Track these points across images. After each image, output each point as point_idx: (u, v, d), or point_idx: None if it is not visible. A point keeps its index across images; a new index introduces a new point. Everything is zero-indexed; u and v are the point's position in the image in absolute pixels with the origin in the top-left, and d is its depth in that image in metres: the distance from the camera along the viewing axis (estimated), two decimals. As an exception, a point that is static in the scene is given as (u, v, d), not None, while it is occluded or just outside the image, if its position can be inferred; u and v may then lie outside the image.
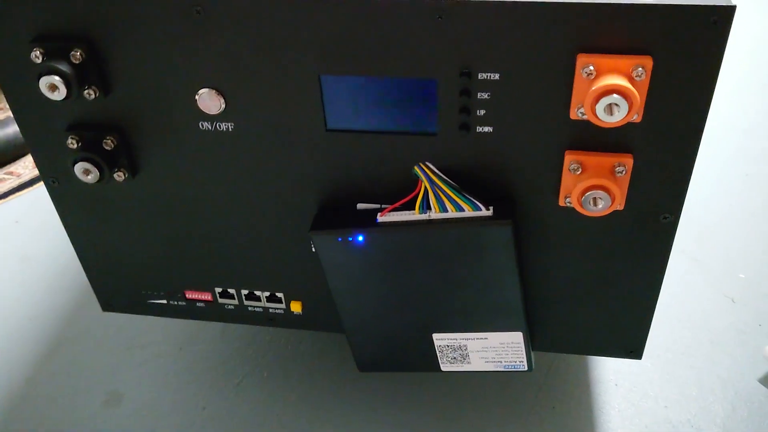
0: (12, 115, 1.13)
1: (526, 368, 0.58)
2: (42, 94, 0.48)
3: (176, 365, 0.78)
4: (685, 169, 0.47)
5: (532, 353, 0.58)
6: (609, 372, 0.74)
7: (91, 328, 0.83)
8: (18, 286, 0.90)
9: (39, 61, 0.48)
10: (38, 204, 1.05)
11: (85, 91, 0.49)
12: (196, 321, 0.81)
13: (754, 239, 0.91)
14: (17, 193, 1.07)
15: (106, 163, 0.53)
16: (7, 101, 0.53)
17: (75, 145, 0.52)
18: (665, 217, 0.50)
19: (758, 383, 0.73)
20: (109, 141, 0.52)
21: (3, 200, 1.05)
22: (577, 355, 0.76)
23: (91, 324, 0.83)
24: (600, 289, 0.55)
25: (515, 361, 0.58)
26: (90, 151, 0.52)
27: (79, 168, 0.52)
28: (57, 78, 0.47)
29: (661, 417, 0.70)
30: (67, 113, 0.52)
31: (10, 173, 1.11)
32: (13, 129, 1.12)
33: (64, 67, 0.47)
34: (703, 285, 0.85)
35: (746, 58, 1.20)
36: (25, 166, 1.12)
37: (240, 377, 0.76)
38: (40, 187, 1.08)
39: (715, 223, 0.94)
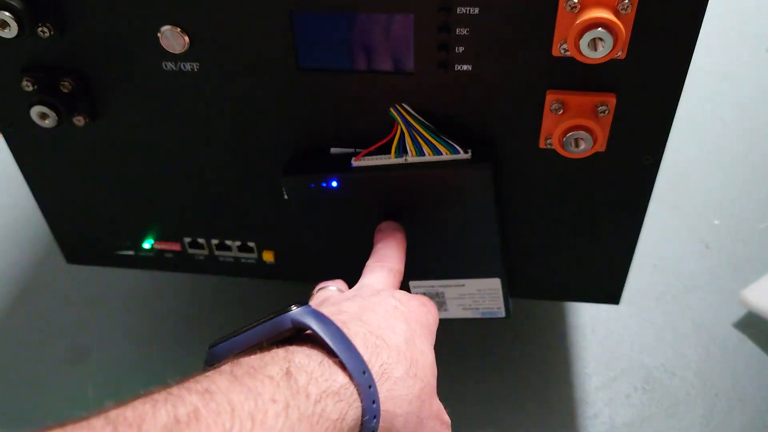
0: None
1: (503, 315, 0.58)
2: (-8, 32, 0.45)
3: (144, 319, 0.76)
4: (668, 109, 0.46)
5: (510, 300, 0.57)
6: (585, 318, 0.74)
7: (54, 282, 0.80)
8: (-22, 240, 0.87)
9: (-14, -5, 0.45)
10: (-3, 155, 1.01)
11: (39, 29, 0.46)
12: (164, 274, 0.79)
13: (728, 185, 0.91)
14: (-26, 145, 1.02)
15: (64, 106, 0.50)
16: (-45, 40, 0.49)
17: (30, 88, 0.49)
18: (647, 159, 0.48)
19: (732, 327, 0.73)
20: (67, 83, 0.49)
21: (-41, 152, 1.01)
22: (553, 302, 0.76)
23: (55, 277, 0.81)
24: (579, 233, 0.54)
25: (493, 308, 0.57)
26: (46, 94, 0.49)
27: (35, 112, 0.49)
28: (6, 13, 0.44)
29: (637, 362, 0.70)
30: (21, 53, 0.49)
31: (-34, 124, 1.06)
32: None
33: (13, 1, 0.44)
34: (678, 231, 0.84)
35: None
36: (-18, 117, 1.07)
37: (209, 332, 0.74)
38: (-1, 139, 1.04)
39: (690, 169, 0.93)
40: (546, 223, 0.53)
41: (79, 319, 0.76)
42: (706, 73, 1.07)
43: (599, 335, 0.73)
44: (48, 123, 0.50)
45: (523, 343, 0.72)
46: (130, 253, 0.63)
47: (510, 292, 0.57)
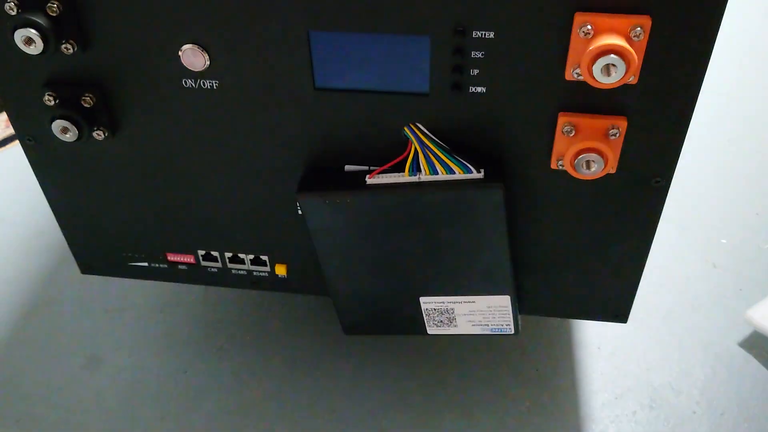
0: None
1: (512, 331, 0.58)
2: (17, 48, 0.46)
3: (157, 329, 0.77)
4: (678, 132, 0.47)
5: (519, 317, 0.58)
6: (591, 335, 0.75)
7: (68, 291, 0.81)
8: (-8, 247, 0.88)
9: (14, 12, 0.46)
10: (11, 165, 1.02)
11: (63, 45, 0.47)
12: (177, 284, 0.80)
13: (735, 205, 0.91)
14: (-11, 153, 1.04)
15: (85, 120, 0.51)
16: (-20, 55, 0.50)
17: (52, 102, 0.51)
18: (657, 181, 0.49)
19: (738, 347, 0.73)
20: (88, 98, 0.50)
21: (-25, 160, 1.03)
22: (560, 319, 0.76)
23: (69, 287, 0.82)
24: (589, 252, 0.54)
25: (502, 325, 0.58)
26: (68, 109, 0.50)
27: (56, 126, 0.51)
28: (33, 31, 0.45)
29: (643, 380, 0.71)
30: (44, 69, 0.50)
31: (-18, 132, 1.08)
32: (-16, 86, 1.09)
33: (40, 20, 0.45)
34: (685, 250, 0.85)
35: (731, 22, 1.20)
36: (-3, 125, 1.09)
37: (222, 341, 0.75)
38: (12, 148, 1.05)
39: (697, 189, 0.94)
40: (555, 241, 0.54)
41: (93, 328, 0.77)
42: (713, 92, 1.07)
43: (605, 353, 0.73)
44: (69, 137, 0.51)
45: (530, 360, 0.72)
46: (144, 264, 0.63)
47: (519, 308, 0.58)
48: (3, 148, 1.05)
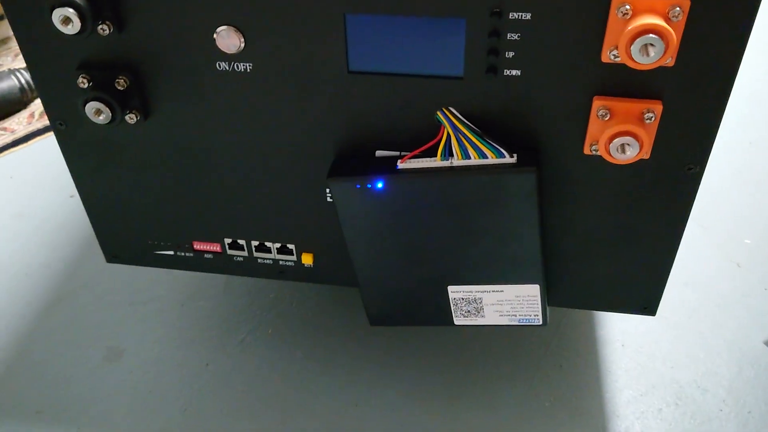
0: (5, 71, 1.11)
1: (540, 322, 0.58)
2: (54, 30, 0.47)
3: (179, 321, 0.77)
4: (713, 118, 0.46)
5: (548, 307, 0.58)
6: (616, 332, 0.74)
7: (90, 284, 0.81)
8: (14, 241, 0.88)
9: (52, -8, 0.46)
10: (32, 160, 1.03)
11: (99, 26, 0.48)
12: (199, 276, 0.80)
13: (759, 205, 0.91)
14: (12, 149, 1.04)
15: (118, 103, 0.51)
16: (17, 37, 0.51)
17: (86, 85, 0.51)
18: (690, 168, 0.49)
19: (764, 345, 0.73)
20: (122, 80, 0.51)
21: (-3, 156, 1.03)
22: (584, 315, 0.76)
23: (90, 279, 0.82)
24: (620, 241, 0.54)
25: (530, 315, 0.57)
26: (102, 91, 0.51)
27: (90, 108, 0.51)
28: (71, 10, 0.46)
29: (668, 377, 0.70)
30: (79, 50, 0.50)
31: (4, 129, 1.08)
32: (7, 84, 1.10)
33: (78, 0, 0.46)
34: (709, 249, 0.85)
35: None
36: (19, 122, 1.10)
37: (244, 334, 0.75)
38: (35, 143, 1.06)
39: (722, 189, 0.93)
40: (587, 229, 0.54)
41: (116, 320, 0.77)
42: (737, 92, 1.07)
43: (630, 350, 0.73)
44: (102, 119, 0.51)
45: (554, 356, 0.72)
46: (170, 252, 0.63)
47: (547, 300, 0.57)
48: (24, 145, 1.05)
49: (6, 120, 1.10)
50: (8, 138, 1.06)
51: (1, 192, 0.97)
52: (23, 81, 1.10)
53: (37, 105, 1.13)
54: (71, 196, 0.94)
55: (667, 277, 0.56)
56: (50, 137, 1.05)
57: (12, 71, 1.11)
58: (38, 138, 1.06)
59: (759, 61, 1.17)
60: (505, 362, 0.71)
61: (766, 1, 0.41)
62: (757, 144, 1.01)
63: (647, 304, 0.58)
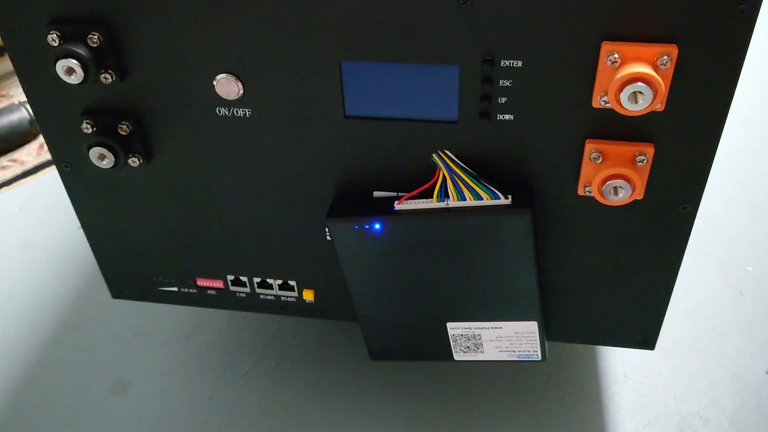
0: (15, 103, 1.13)
1: (539, 358, 0.58)
2: (58, 78, 0.48)
3: (183, 354, 0.77)
4: (705, 159, 0.47)
5: (546, 343, 0.58)
6: (618, 363, 0.75)
7: (96, 316, 0.82)
8: (22, 273, 0.89)
9: (56, 44, 0.47)
10: (42, 191, 1.04)
11: (102, 75, 0.49)
12: (203, 310, 0.81)
13: (761, 232, 0.91)
14: (21, 181, 1.06)
15: (121, 148, 0.52)
16: (22, 85, 0.52)
17: (90, 130, 0.52)
18: (684, 207, 0.49)
19: (767, 375, 0.73)
20: (125, 126, 0.52)
21: (6, 187, 1.05)
22: (585, 347, 0.76)
23: (97, 312, 0.83)
24: (616, 278, 0.54)
25: (529, 351, 0.58)
26: (105, 136, 0.52)
27: (94, 153, 0.52)
28: (74, 61, 0.47)
29: (671, 408, 0.70)
30: (83, 97, 0.52)
31: (14, 160, 1.10)
32: (17, 116, 1.12)
33: (81, 50, 0.47)
34: (711, 277, 0.85)
35: (757, 49, 1.20)
36: (29, 154, 1.11)
37: (247, 366, 0.75)
38: (44, 175, 1.07)
39: (723, 217, 0.94)
40: (583, 267, 0.54)
41: (121, 352, 0.78)
42: (737, 119, 1.08)
43: (632, 381, 0.73)
44: (105, 164, 0.52)
45: (556, 388, 0.72)
46: (174, 289, 0.64)
47: (546, 334, 0.58)
48: (34, 176, 1.07)
49: (16, 152, 1.12)
50: (18, 169, 1.08)
51: (11, 223, 0.98)
52: (32, 113, 1.12)
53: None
54: (79, 228, 0.95)
55: (665, 313, 0.56)
56: (59, 168, 1.06)
57: (22, 103, 1.13)
58: (47, 169, 1.08)
59: (759, 87, 1.18)
60: (507, 395, 0.71)
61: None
62: (757, 170, 1.01)
63: (646, 339, 0.59)
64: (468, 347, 0.59)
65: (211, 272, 0.62)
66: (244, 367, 0.75)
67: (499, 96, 0.46)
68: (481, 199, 0.49)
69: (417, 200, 0.51)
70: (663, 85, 0.41)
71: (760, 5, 0.40)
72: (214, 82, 0.49)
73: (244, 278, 0.62)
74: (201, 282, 0.63)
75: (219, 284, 0.63)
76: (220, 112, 0.51)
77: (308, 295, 0.62)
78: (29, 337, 0.80)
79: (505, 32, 0.44)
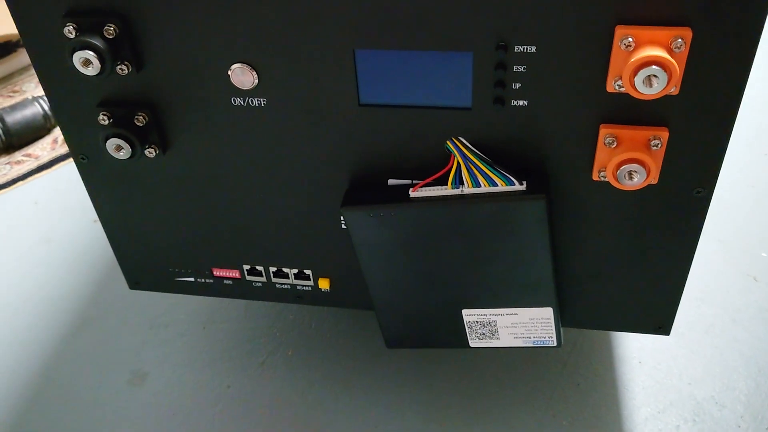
0: (28, 98, 1.13)
1: (555, 344, 0.59)
2: (75, 70, 0.48)
3: (200, 344, 0.78)
4: (720, 142, 0.47)
5: (561, 329, 0.58)
6: (632, 350, 0.75)
7: (113, 308, 0.83)
8: (38, 266, 0.90)
9: (72, 36, 0.48)
10: (57, 186, 1.05)
11: (118, 67, 0.49)
12: (220, 300, 0.82)
13: (775, 218, 0.91)
14: (36, 175, 1.07)
15: (137, 139, 0.52)
16: (39, 77, 0.52)
17: (106, 122, 0.52)
18: (698, 191, 0.49)
19: (782, 360, 0.73)
20: (141, 117, 0.52)
21: (22, 182, 1.06)
22: (600, 333, 0.76)
23: (114, 303, 0.84)
24: (631, 264, 0.55)
25: (544, 337, 0.58)
26: (122, 127, 0.52)
27: (111, 144, 0.52)
28: (91, 53, 0.47)
29: (686, 394, 0.70)
30: (99, 89, 0.52)
31: (29, 155, 1.11)
32: (31, 111, 1.12)
33: (97, 42, 0.47)
34: (725, 264, 0.85)
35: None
36: (43, 148, 1.12)
37: (264, 356, 0.76)
38: (59, 169, 1.08)
39: (737, 203, 0.93)
40: (598, 253, 0.55)
41: (139, 344, 0.79)
42: (750, 106, 1.07)
43: (647, 367, 0.73)
44: (122, 155, 0.53)
45: (572, 374, 0.72)
46: (190, 279, 0.65)
47: (561, 320, 0.58)
48: (48, 171, 1.08)
49: (30, 146, 1.13)
50: (33, 164, 1.09)
51: (27, 218, 0.99)
52: (46, 108, 1.13)
53: (60, 131, 1.15)
54: (95, 221, 0.96)
55: (680, 298, 0.56)
56: (74, 163, 1.07)
57: (35, 98, 1.14)
58: (62, 163, 1.09)
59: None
60: (523, 382, 0.72)
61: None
62: (773, 155, 1.01)
63: (661, 324, 0.59)
64: (483, 334, 0.59)
65: (227, 262, 0.63)
66: (261, 357, 0.76)
67: (512, 82, 0.46)
68: (496, 185, 0.50)
69: (432, 187, 0.51)
70: (677, 69, 0.41)
71: (774, -13, 0.39)
72: (229, 72, 0.49)
73: (260, 268, 0.63)
74: (217, 272, 0.64)
75: (235, 274, 0.64)
76: (235, 102, 0.51)
77: (324, 284, 0.62)
78: (48, 330, 0.81)
79: (518, 17, 0.44)
